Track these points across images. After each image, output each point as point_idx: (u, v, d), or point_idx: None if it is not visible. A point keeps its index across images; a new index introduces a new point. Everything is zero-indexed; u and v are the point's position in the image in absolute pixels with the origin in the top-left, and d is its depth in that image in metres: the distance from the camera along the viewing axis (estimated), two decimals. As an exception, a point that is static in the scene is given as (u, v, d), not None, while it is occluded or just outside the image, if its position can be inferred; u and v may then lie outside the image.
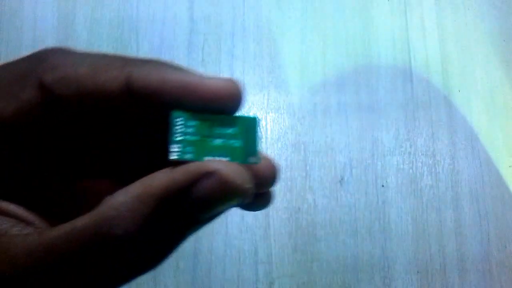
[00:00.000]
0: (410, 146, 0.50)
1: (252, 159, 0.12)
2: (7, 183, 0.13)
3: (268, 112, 0.50)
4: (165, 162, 0.12)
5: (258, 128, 0.13)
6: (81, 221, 0.11)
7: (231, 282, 0.44)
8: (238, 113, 0.13)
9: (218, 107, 0.12)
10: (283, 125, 0.49)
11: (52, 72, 0.12)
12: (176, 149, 0.12)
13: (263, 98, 0.50)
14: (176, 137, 0.12)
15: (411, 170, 0.49)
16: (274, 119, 0.50)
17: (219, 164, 0.11)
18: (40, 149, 0.13)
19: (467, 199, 0.48)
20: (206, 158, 0.12)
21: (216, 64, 0.50)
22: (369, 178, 0.49)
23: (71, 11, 0.51)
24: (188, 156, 0.12)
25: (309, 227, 0.46)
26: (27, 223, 0.13)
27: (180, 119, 0.12)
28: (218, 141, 0.12)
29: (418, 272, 0.46)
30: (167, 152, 0.12)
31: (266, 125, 0.49)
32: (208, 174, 0.11)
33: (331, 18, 0.51)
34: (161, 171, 0.12)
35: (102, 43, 0.50)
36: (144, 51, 0.50)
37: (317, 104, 0.50)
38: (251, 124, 0.13)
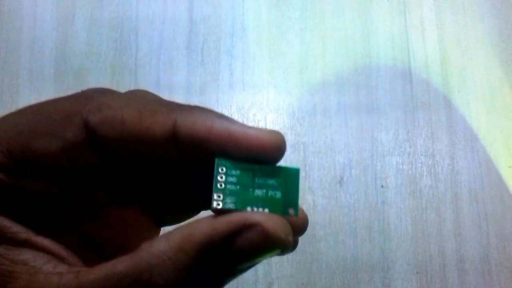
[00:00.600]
0: (410, 147, 0.50)
1: (291, 211, 0.13)
2: (43, 218, 0.13)
3: (268, 113, 0.50)
4: (199, 206, 0.12)
5: (299, 179, 0.13)
6: (121, 265, 0.11)
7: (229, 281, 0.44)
8: (280, 164, 0.13)
9: (261, 157, 0.12)
10: (283, 125, 0.50)
11: (98, 112, 0.12)
12: (218, 198, 0.12)
13: (262, 99, 0.50)
14: (219, 185, 0.12)
15: (410, 171, 0.49)
16: (274, 119, 0.50)
17: (262, 216, 0.11)
18: (79, 184, 0.13)
19: (466, 199, 0.48)
20: (248, 209, 0.12)
21: (215, 65, 0.50)
22: (369, 179, 0.48)
23: (70, 11, 0.51)
24: (230, 206, 0.12)
25: (308, 227, 0.43)
26: (59, 258, 0.13)
27: (224, 167, 0.12)
28: (259, 192, 0.12)
29: (417, 272, 0.46)
30: (209, 199, 0.12)
31: (265, 126, 0.49)
32: (251, 226, 0.11)
33: (331, 19, 0.51)
34: (202, 219, 0.12)
35: (102, 44, 0.50)
36: (143, 52, 0.50)
37: (317, 104, 0.50)
38: (292, 175, 0.13)
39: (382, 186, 0.48)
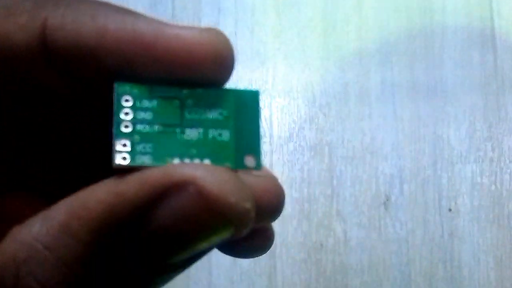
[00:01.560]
0: (493, 149, 0.44)
1: (249, 161, 0.11)
2: None
3: (274, 97, 0.46)
4: (109, 169, 0.10)
5: (260, 109, 0.11)
6: None
7: None
8: (224, 86, 0.11)
9: (193, 75, 0.10)
10: (297, 116, 0.46)
11: None
12: (123, 147, 0.10)
13: (266, 75, 0.46)
14: (123, 127, 0.10)
15: (493, 186, 0.43)
16: (283, 107, 0.46)
17: (197, 169, 0.09)
18: None
19: None
20: (174, 161, 0.10)
21: (193, 23, 0.44)
22: (429, 199, 0.43)
23: None
24: (143, 160, 0.10)
25: (337, 273, 0.42)
26: None
27: (129, 96, 0.10)
28: (192, 132, 0.10)
29: None
30: (109, 152, 0.10)
31: (270, 116, 0.45)
32: (179, 187, 0.09)
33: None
34: (102, 182, 0.10)
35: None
36: None
37: (349, 84, 0.45)
38: (248, 101, 0.11)
39: (450, 210, 0.42)
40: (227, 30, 0.44)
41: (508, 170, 0.43)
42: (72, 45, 0.10)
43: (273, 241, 0.13)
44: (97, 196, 0.10)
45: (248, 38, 0.45)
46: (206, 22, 0.44)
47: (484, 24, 0.45)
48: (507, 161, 0.43)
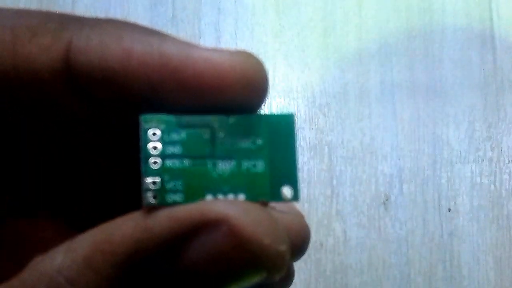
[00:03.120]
0: (492, 149, 0.44)
1: (286, 193, 0.10)
2: None
3: (274, 97, 0.46)
4: (136, 199, 0.10)
5: (296, 134, 0.10)
6: None
7: None
8: (257, 112, 0.10)
9: (223, 101, 0.10)
10: (297, 116, 0.45)
11: None
12: (152, 185, 0.09)
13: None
14: (151, 163, 0.09)
15: (493, 186, 0.43)
16: (283, 107, 0.46)
17: (231, 207, 0.09)
18: None
19: None
20: (207, 197, 0.10)
21: (193, 23, 0.45)
22: (429, 199, 0.43)
23: None
24: (174, 198, 0.09)
25: (336, 273, 0.42)
26: None
27: (157, 129, 0.10)
28: (225, 165, 0.10)
29: None
30: (138, 189, 0.09)
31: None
32: (212, 225, 0.09)
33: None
34: (129, 216, 0.09)
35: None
36: (83, 2, 0.45)
37: (349, 84, 0.45)
38: (283, 126, 0.10)
39: (449, 210, 0.43)
40: (227, 30, 0.45)
41: (507, 170, 0.43)
42: (96, 68, 0.10)
43: (292, 280, 0.12)
44: (123, 230, 0.09)
45: (248, 38, 0.45)
46: (206, 22, 0.45)
47: (483, 25, 0.45)
48: (507, 161, 0.43)
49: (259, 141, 0.10)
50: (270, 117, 0.10)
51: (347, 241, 0.42)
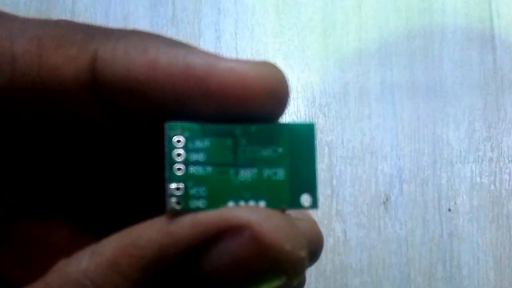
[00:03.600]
0: (492, 149, 0.44)
1: (306, 201, 0.10)
2: None
3: None
4: (159, 205, 0.10)
5: (316, 143, 0.10)
6: None
7: None
8: (278, 121, 0.10)
9: (246, 110, 0.10)
10: (297, 116, 0.46)
11: None
12: (176, 192, 0.10)
13: None
14: (176, 170, 0.10)
15: (493, 186, 0.43)
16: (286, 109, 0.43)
17: (253, 213, 0.09)
18: None
19: None
20: (229, 204, 0.10)
21: (193, 23, 0.45)
22: (429, 198, 0.43)
23: None
24: (197, 204, 0.10)
25: (336, 272, 0.42)
26: None
27: (181, 136, 0.10)
28: (247, 172, 0.10)
29: None
30: (162, 195, 0.10)
31: None
32: (234, 231, 0.09)
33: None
34: (153, 221, 0.10)
35: None
36: (83, 2, 0.45)
37: (349, 84, 0.45)
38: (303, 135, 0.10)
39: (449, 210, 0.43)
40: (227, 30, 0.45)
41: (507, 170, 0.43)
42: (122, 79, 0.10)
43: (304, 284, 0.12)
44: (148, 234, 0.10)
45: (248, 39, 0.45)
46: (206, 22, 0.45)
47: (483, 25, 0.45)
48: (506, 161, 0.43)
49: (280, 150, 0.10)
50: (291, 126, 0.10)
51: (347, 241, 0.42)
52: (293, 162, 0.10)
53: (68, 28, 0.10)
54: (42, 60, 0.10)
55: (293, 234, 0.09)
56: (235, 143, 0.10)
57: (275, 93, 0.10)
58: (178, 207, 0.10)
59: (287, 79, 0.10)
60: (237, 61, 0.10)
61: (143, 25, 0.44)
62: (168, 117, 0.10)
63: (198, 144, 0.10)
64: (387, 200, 0.42)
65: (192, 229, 0.09)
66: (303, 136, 0.10)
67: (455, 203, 0.42)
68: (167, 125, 0.10)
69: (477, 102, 0.44)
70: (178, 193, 0.10)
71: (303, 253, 0.09)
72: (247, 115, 0.10)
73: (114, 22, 0.44)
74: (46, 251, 0.12)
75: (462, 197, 0.43)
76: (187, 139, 0.10)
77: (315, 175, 0.11)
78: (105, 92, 0.10)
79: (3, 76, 0.10)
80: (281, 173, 0.10)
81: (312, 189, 0.10)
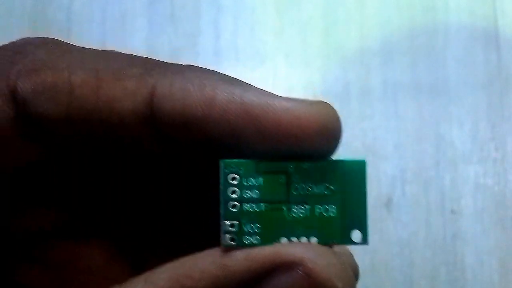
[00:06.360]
0: (496, 150, 0.44)
1: (356, 236, 0.11)
2: None
3: None
4: (200, 240, 0.10)
5: (366, 179, 0.11)
6: None
7: None
8: (330, 157, 0.11)
9: (300, 149, 0.10)
10: None
11: (31, 75, 0.10)
12: (230, 228, 0.10)
13: (266, 75, 0.46)
14: (230, 207, 0.10)
15: (497, 187, 0.43)
16: None
17: (306, 250, 0.10)
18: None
19: None
20: (281, 240, 0.10)
21: (192, 21, 0.45)
22: (432, 200, 0.43)
23: None
24: (251, 241, 0.10)
25: None
26: None
27: (236, 174, 0.10)
28: (299, 210, 0.11)
29: None
30: (216, 230, 0.10)
31: None
32: (287, 267, 0.10)
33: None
34: (207, 253, 0.10)
35: None
36: (80, 1, 0.45)
37: (351, 83, 0.45)
38: (354, 172, 0.11)
39: (452, 212, 0.43)
40: (227, 28, 0.45)
41: (512, 171, 0.43)
42: (179, 114, 0.10)
43: None
44: (202, 266, 0.10)
45: (248, 37, 0.45)
46: (205, 20, 0.45)
47: (487, 23, 0.45)
48: (511, 162, 0.43)
49: (332, 187, 0.11)
50: (343, 163, 0.11)
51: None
52: (344, 198, 0.11)
53: (126, 61, 0.11)
54: (100, 92, 0.10)
55: (344, 271, 0.10)
56: (288, 180, 0.11)
57: (329, 133, 0.10)
58: (232, 243, 0.10)
59: (340, 119, 0.11)
60: (293, 100, 0.10)
61: (141, 23, 0.44)
62: (222, 151, 0.10)
63: (252, 181, 0.10)
64: (389, 201, 0.42)
65: (246, 264, 0.10)
66: (355, 172, 0.11)
67: (458, 204, 0.42)
68: (222, 162, 0.10)
69: (481, 102, 0.44)
70: (233, 229, 0.10)
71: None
72: (299, 152, 0.10)
73: (111, 20, 0.44)
74: (79, 273, 0.12)
75: (466, 198, 0.42)
76: (241, 176, 0.10)
77: (366, 211, 0.11)
78: (162, 126, 0.10)
79: (60, 105, 0.10)
80: (332, 210, 0.11)
81: (363, 225, 0.11)
